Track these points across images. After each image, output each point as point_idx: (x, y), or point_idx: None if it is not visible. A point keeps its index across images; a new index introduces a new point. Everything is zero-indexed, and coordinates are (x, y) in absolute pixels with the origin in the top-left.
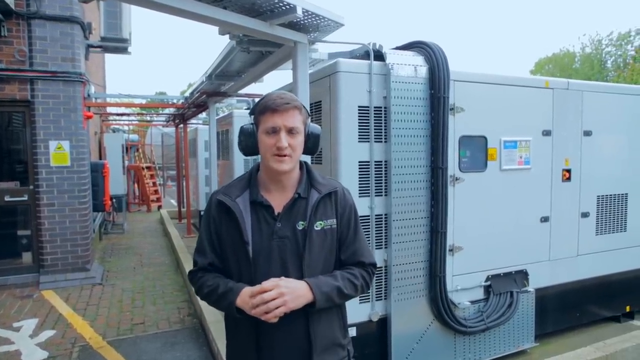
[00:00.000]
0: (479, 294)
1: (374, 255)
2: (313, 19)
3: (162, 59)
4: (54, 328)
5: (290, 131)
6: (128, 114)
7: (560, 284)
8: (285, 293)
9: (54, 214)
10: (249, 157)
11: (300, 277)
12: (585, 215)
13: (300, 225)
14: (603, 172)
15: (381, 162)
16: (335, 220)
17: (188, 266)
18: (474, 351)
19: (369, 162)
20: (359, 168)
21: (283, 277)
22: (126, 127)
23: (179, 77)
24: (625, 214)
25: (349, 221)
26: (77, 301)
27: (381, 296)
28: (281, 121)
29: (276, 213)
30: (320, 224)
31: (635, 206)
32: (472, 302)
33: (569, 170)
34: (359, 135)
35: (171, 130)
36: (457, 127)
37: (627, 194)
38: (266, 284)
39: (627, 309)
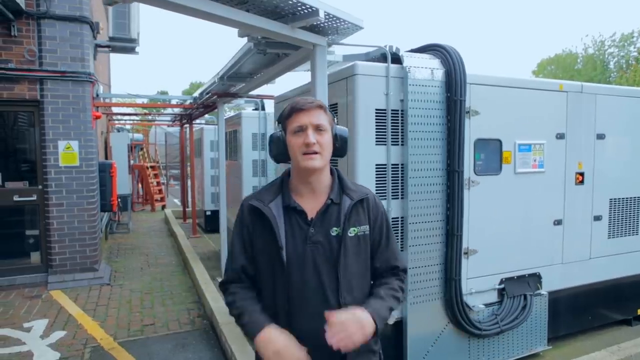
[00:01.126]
0: (493, 297)
1: (405, 260)
2: (333, 22)
3: (164, 58)
4: (65, 329)
5: (317, 128)
6: (136, 114)
7: (573, 287)
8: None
9: (63, 214)
10: (257, 159)
11: (334, 283)
12: (597, 218)
13: (334, 232)
14: (616, 176)
15: (398, 165)
16: (368, 226)
17: (195, 266)
18: (488, 354)
19: (385, 165)
20: (376, 171)
21: (350, 311)
22: (128, 127)
23: (181, 76)
24: (638, 217)
25: (381, 228)
26: (86, 301)
27: None
28: (307, 119)
29: (309, 218)
30: (354, 230)
31: None
32: (487, 305)
33: (582, 174)
34: (376, 138)
35: (175, 129)
36: (472, 130)
37: (639, 197)
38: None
39: (639, 312)
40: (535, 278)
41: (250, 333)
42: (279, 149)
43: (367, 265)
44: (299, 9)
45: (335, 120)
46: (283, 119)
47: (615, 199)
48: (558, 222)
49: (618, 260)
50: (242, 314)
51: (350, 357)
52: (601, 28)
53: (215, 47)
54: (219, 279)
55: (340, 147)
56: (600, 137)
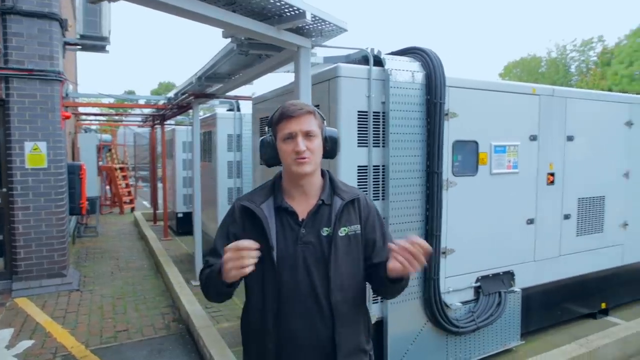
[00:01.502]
0: (470, 294)
1: None
2: (319, 24)
3: (131, 57)
4: (32, 338)
5: (307, 134)
6: (106, 114)
7: (544, 284)
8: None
9: (29, 218)
10: (232, 161)
11: (325, 283)
12: (567, 217)
13: (325, 232)
14: (583, 176)
15: (379, 166)
16: (359, 226)
17: (169, 270)
18: (465, 351)
19: (367, 166)
20: (358, 172)
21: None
22: (94, 127)
23: (149, 75)
24: (603, 215)
25: (374, 226)
26: (55, 309)
27: (377, 299)
28: (297, 126)
29: (300, 219)
30: (345, 230)
31: (611, 208)
32: (463, 303)
33: (553, 174)
34: (358, 139)
35: (144, 130)
36: (450, 132)
37: (604, 196)
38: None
39: (603, 305)
40: (509, 276)
41: (215, 271)
42: (270, 154)
43: (359, 265)
44: (286, 10)
45: (325, 123)
46: (273, 124)
47: (583, 198)
48: (530, 221)
49: (585, 257)
50: (206, 271)
51: (342, 357)
52: (563, 33)
53: (185, 47)
54: (194, 283)
55: (331, 148)
56: (570, 139)
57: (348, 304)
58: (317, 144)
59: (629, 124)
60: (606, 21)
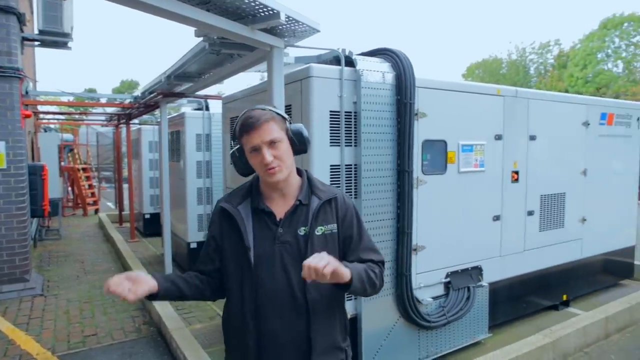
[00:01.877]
0: (440, 290)
1: (382, 255)
2: (292, 25)
3: (92, 53)
4: None
5: (271, 143)
6: (68, 113)
7: (510, 278)
8: (329, 259)
9: None
10: (201, 160)
11: (302, 281)
12: (530, 213)
13: (302, 231)
14: (545, 174)
15: (351, 165)
16: (335, 225)
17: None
18: (436, 345)
19: (339, 165)
20: (331, 171)
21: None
22: (52, 126)
23: (110, 73)
24: (564, 211)
25: (351, 224)
26: (17, 315)
27: (351, 296)
28: (259, 138)
29: (278, 219)
30: (321, 229)
31: (571, 204)
32: (434, 298)
33: (517, 172)
34: (331, 139)
35: (107, 130)
36: (420, 132)
37: (564, 193)
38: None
39: (564, 297)
40: (477, 271)
41: None
42: (242, 166)
43: None
44: (260, 11)
45: (289, 121)
46: (238, 137)
47: (545, 195)
48: (497, 218)
49: (547, 251)
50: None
51: (317, 353)
52: (523, 36)
53: (148, 45)
54: None
55: (300, 144)
56: (533, 138)
57: (324, 302)
58: (284, 148)
59: (586, 124)
60: (562, 25)
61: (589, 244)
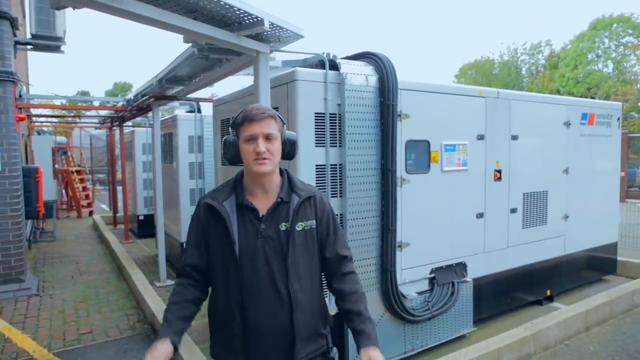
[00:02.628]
0: (425, 285)
1: (350, 250)
2: (276, 31)
3: (84, 56)
4: None
5: (267, 137)
6: (60, 116)
7: (494, 274)
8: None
9: None
10: (194, 162)
11: (284, 274)
12: (513, 211)
13: (283, 226)
14: (527, 172)
15: (336, 165)
16: (314, 221)
17: (132, 272)
18: (421, 338)
19: (325, 165)
20: (316, 171)
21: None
22: (46, 129)
23: (103, 75)
24: (546, 208)
25: (327, 223)
26: (13, 314)
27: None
28: (258, 129)
29: (260, 215)
30: (301, 224)
31: (553, 201)
32: (419, 293)
33: (499, 171)
34: (316, 140)
35: (100, 132)
36: (403, 132)
37: (547, 191)
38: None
39: (548, 292)
40: (462, 267)
41: (160, 333)
42: (232, 153)
43: (315, 256)
44: (245, 18)
45: (285, 127)
46: (236, 125)
47: (527, 193)
48: (480, 215)
49: (530, 247)
50: (164, 319)
51: (300, 340)
52: (514, 37)
53: (140, 47)
54: (158, 284)
55: (289, 150)
56: (514, 138)
57: (306, 293)
58: (277, 146)
59: (567, 124)
60: (553, 26)
61: (571, 241)
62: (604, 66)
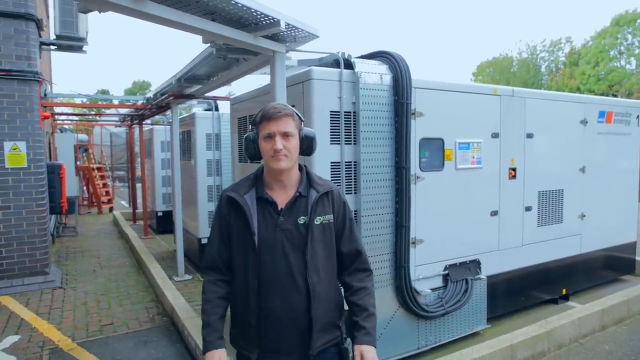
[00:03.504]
0: (438, 282)
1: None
2: (292, 31)
3: (105, 55)
4: (18, 333)
5: (285, 135)
6: (82, 114)
7: (508, 271)
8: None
9: (10, 217)
10: (211, 159)
11: (302, 265)
12: (528, 209)
13: (302, 220)
14: (543, 170)
15: (351, 162)
16: (332, 216)
17: (152, 266)
18: (435, 334)
19: (339, 162)
20: (331, 168)
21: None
22: (67, 127)
23: (122, 74)
24: (562, 207)
25: (344, 218)
26: (39, 305)
27: None
28: (276, 127)
29: (279, 208)
30: (320, 219)
31: (569, 200)
32: (433, 290)
33: (514, 169)
34: (331, 137)
35: (120, 130)
36: (417, 130)
37: (563, 189)
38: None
39: (564, 291)
40: (475, 264)
41: (203, 347)
42: (252, 150)
43: (333, 250)
44: (262, 19)
45: (303, 124)
46: (256, 124)
47: (543, 191)
48: (494, 213)
49: (546, 246)
50: (204, 322)
51: (317, 330)
52: (533, 34)
53: (159, 46)
54: (176, 278)
55: (307, 147)
56: (530, 136)
57: (323, 284)
58: (294, 143)
59: (584, 122)
60: (573, 23)
61: (588, 240)
62: (627, 63)
